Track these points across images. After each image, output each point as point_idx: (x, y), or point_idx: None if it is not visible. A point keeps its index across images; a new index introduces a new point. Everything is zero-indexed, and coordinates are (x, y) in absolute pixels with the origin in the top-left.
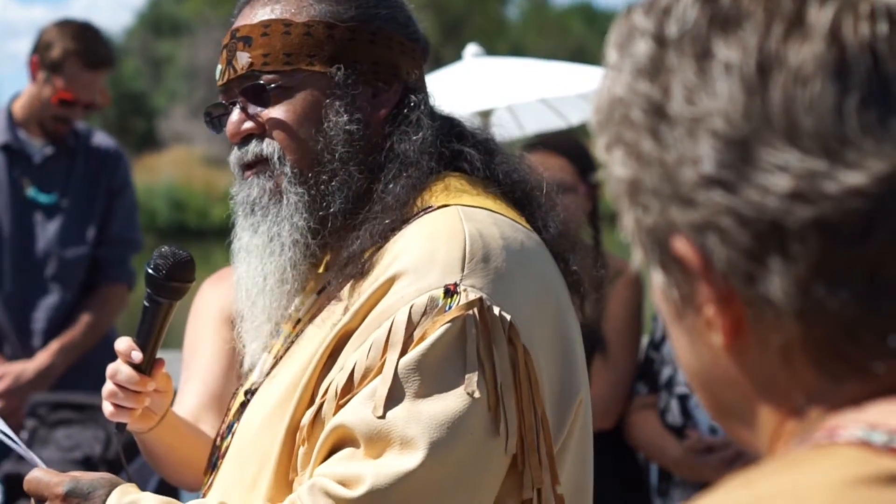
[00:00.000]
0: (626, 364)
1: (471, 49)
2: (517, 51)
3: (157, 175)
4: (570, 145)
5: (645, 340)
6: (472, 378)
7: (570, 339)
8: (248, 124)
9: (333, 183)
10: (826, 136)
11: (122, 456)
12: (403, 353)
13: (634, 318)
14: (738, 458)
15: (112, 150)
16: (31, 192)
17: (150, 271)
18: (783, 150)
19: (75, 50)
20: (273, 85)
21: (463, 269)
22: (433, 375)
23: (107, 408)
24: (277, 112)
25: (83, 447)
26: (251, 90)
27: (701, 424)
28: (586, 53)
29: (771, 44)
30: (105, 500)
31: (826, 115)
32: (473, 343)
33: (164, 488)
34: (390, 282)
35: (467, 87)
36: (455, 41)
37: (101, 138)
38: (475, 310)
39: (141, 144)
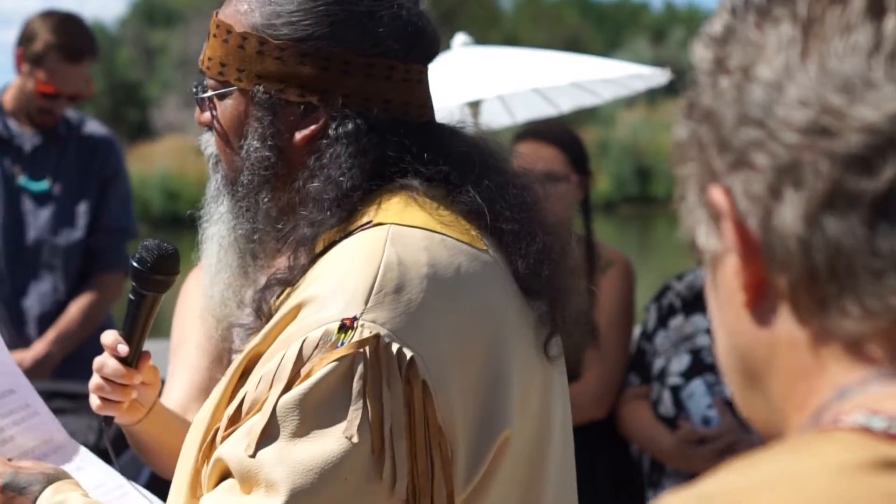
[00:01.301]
0: (617, 354)
1: (459, 39)
2: (511, 41)
3: (151, 165)
4: (561, 134)
5: (637, 331)
6: (354, 421)
7: (503, 374)
8: (205, 116)
9: (244, 202)
10: (852, 77)
11: (111, 449)
12: (287, 389)
13: (626, 309)
14: (729, 449)
15: (104, 138)
16: (22, 180)
17: (134, 264)
18: (809, 88)
19: (56, 43)
20: (209, 95)
21: (367, 302)
22: (312, 416)
23: (94, 401)
24: (215, 118)
25: (77, 436)
26: (200, 88)
27: (693, 415)
28: (580, 44)
29: (816, 8)
30: (38, 496)
31: (856, 59)
32: (360, 383)
33: (156, 480)
34: (299, 307)
35: (456, 77)
36: (448, 32)
37: (94, 126)
38: (368, 348)
39: (134, 134)
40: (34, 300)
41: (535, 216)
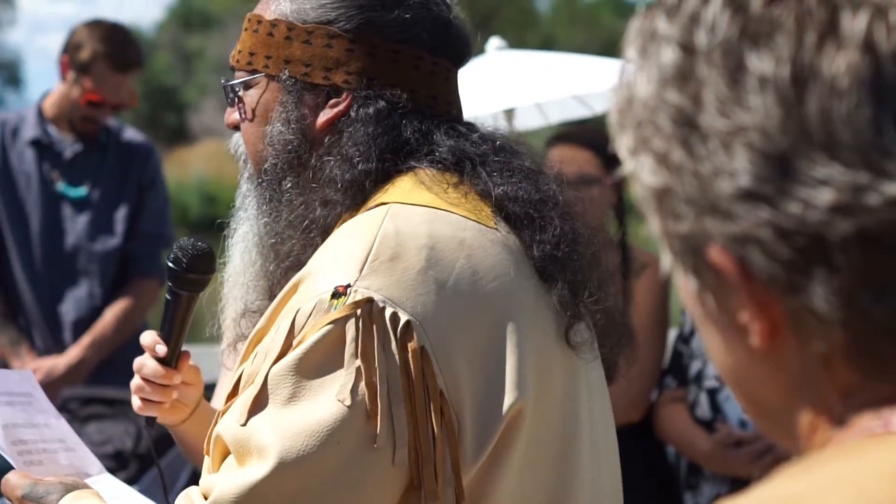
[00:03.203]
0: (652, 357)
1: (494, 42)
2: (548, 43)
3: (189, 169)
4: (594, 137)
5: (674, 334)
6: (347, 384)
7: (515, 348)
8: (234, 117)
9: (268, 192)
10: (866, 149)
11: (153, 450)
12: (279, 359)
13: (661, 312)
14: (767, 452)
15: (142, 146)
16: (60, 186)
17: (169, 264)
18: (825, 164)
19: (104, 52)
20: (236, 83)
21: (361, 270)
22: (305, 381)
23: (135, 402)
24: (242, 111)
25: (114, 442)
26: (229, 86)
27: (730, 418)
28: (617, 46)
29: (804, 55)
30: None
31: (864, 127)
32: (353, 346)
33: (197, 480)
34: (297, 284)
35: (491, 83)
36: (485, 34)
37: (132, 134)
38: (360, 311)
39: (172, 138)
40: (70, 305)
41: (555, 205)
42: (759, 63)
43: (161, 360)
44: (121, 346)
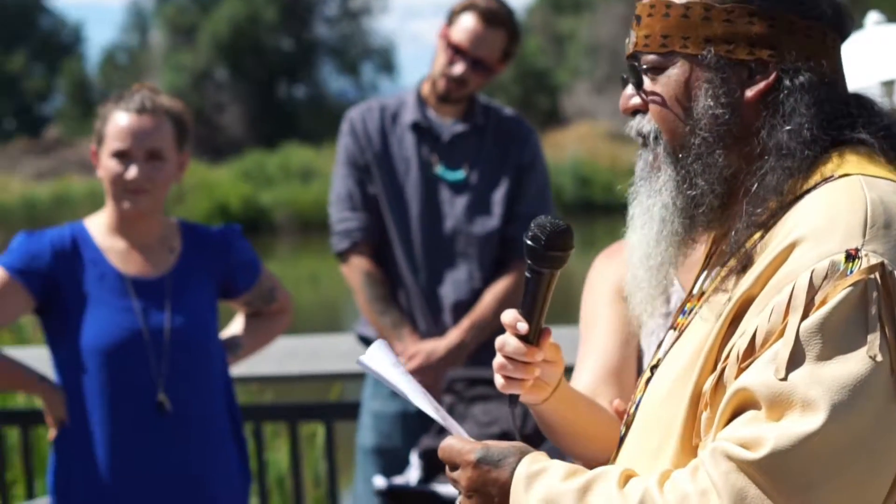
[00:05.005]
0: None
1: (872, 17)
2: None
3: (562, 151)
4: None
5: None
6: (875, 341)
7: None
8: (634, 100)
9: (697, 165)
10: None
11: (514, 422)
12: (805, 316)
13: None
14: None
15: (521, 127)
16: (439, 169)
17: (528, 242)
18: None
19: (472, 3)
20: (647, 66)
21: (864, 235)
22: (834, 338)
23: (498, 380)
24: (653, 92)
25: (500, 422)
26: (634, 69)
27: None
28: None
29: None
30: (515, 467)
31: None
32: (875, 307)
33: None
34: (790, 248)
35: (872, 55)
36: (861, 9)
37: (510, 115)
38: (877, 274)
39: (545, 121)
40: (449, 288)
41: None
42: None
43: (522, 338)
44: (500, 329)
